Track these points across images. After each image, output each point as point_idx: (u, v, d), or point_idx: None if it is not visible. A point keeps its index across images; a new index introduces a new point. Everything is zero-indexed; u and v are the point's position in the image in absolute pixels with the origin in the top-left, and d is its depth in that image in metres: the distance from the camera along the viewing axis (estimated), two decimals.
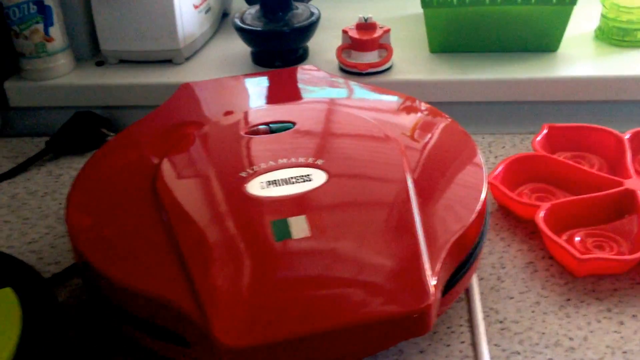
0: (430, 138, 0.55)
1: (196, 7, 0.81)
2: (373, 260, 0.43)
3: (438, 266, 0.42)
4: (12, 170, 0.71)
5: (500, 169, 0.61)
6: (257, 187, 0.48)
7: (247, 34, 0.78)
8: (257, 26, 0.77)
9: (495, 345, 0.47)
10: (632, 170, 0.59)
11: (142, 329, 0.44)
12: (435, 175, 0.50)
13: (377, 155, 0.52)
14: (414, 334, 0.41)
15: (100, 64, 0.81)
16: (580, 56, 0.77)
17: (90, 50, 0.82)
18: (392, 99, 0.62)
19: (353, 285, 0.41)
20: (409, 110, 0.60)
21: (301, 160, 0.50)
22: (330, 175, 0.49)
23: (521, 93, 0.74)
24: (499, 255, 0.55)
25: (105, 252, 0.45)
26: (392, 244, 0.43)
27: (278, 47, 0.78)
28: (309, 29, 0.78)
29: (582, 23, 0.83)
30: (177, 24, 0.77)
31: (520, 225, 0.59)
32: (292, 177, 0.49)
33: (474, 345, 0.47)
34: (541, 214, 0.55)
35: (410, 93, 0.64)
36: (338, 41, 0.78)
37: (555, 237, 0.53)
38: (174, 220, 0.46)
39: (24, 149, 0.76)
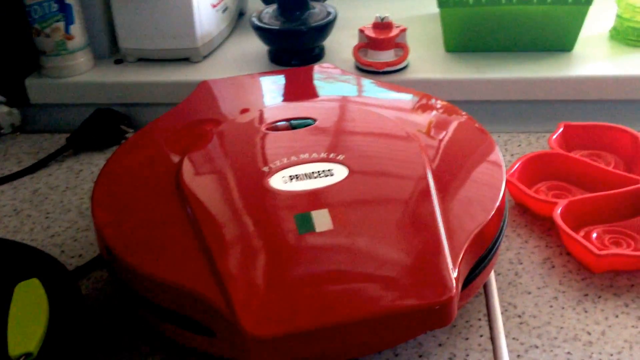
0: (449, 135, 0.56)
1: (214, 6, 0.82)
2: (395, 253, 0.43)
3: (459, 260, 0.43)
4: (33, 165, 0.72)
5: (517, 166, 0.62)
6: (279, 181, 0.49)
7: (264, 33, 0.78)
8: (275, 25, 0.78)
9: (514, 339, 0.48)
10: None
11: (168, 320, 0.45)
12: (455, 171, 0.51)
13: (397, 152, 0.52)
14: (435, 326, 0.42)
15: (118, 62, 0.82)
16: (596, 56, 0.77)
17: (109, 48, 0.83)
18: (410, 97, 0.63)
19: (376, 277, 0.42)
20: (427, 107, 0.61)
21: (322, 155, 0.51)
22: (352, 171, 0.50)
23: (536, 92, 0.74)
24: (517, 252, 0.56)
25: (132, 245, 0.46)
26: (414, 238, 0.44)
27: (295, 46, 0.79)
28: (325, 28, 0.78)
29: (597, 23, 0.83)
30: (195, 23, 0.78)
31: (537, 222, 0.59)
32: (313, 172, 0.49)
33: (493, 338, 0.48)
34: (558, 210, 0.55)
35: (425, 92, 0.64)
36: (354, 40, 0.79)
37: (573, 234, 0.53)
38: (199, 215, 0.46)
39: (44, 145, 0.77)
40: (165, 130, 0.60)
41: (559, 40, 0.77)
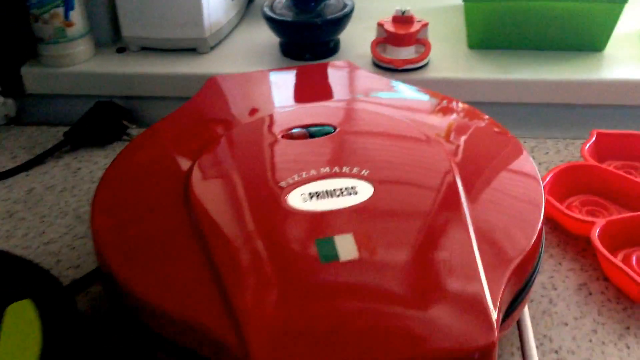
0: (484, 150, 0.51)
1: None
2: (428, 290, 0.39)
3: (499, 297, 0.38)
4: (28, 162, 0.67)
5: (548, 178, 0.57)
6: (298, 199, 0.44)
7: (276, 25, 0.74)
8: (288, 16, 0.73)
9: None
10: None
11: (169, 352, 0.41)
12: (490, 192, 0.46)
13: (427, 168, 0.48)
14: None
15: (121, 50, 0.77)
16: (628, 57, 0.73)
17: (111, 36, 0.78)
18: (439, 102, 0.58)
19: (406, 317, 0.37)
20: (454, 114, 0.56)
21: (345, 170, 0.47)
22: (377, 189, 0.45)
23: (565, 95, 0.70)
24: (550, 275, 0.52)
25: (134, 267, 0.42)
26: (448, 273, 0.40)
27: (309, 39, 0.74)
28: (342, 20, 0.74)
29: (628, 22, 0.78)
30: (203, 11, 0.73)
31: (570, 241, 0.55)
32: (335, 189, 0.45)
33: None
34: (596, 232, 0.51)
35: (447, 92, 0.60)
36: (371, 34, 0.74)
37: (613, 259, 0.49)
38: (209, 236, 0.42)
39: (40, 138, 0.72)
40: (171, 132, 0.55)
41: (590, 40, 0.73)
